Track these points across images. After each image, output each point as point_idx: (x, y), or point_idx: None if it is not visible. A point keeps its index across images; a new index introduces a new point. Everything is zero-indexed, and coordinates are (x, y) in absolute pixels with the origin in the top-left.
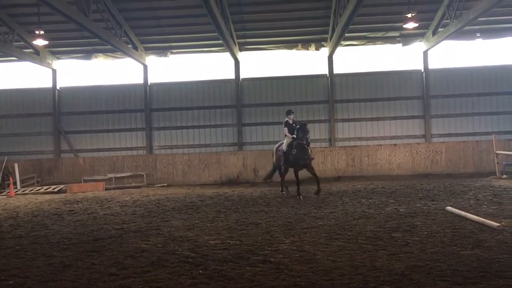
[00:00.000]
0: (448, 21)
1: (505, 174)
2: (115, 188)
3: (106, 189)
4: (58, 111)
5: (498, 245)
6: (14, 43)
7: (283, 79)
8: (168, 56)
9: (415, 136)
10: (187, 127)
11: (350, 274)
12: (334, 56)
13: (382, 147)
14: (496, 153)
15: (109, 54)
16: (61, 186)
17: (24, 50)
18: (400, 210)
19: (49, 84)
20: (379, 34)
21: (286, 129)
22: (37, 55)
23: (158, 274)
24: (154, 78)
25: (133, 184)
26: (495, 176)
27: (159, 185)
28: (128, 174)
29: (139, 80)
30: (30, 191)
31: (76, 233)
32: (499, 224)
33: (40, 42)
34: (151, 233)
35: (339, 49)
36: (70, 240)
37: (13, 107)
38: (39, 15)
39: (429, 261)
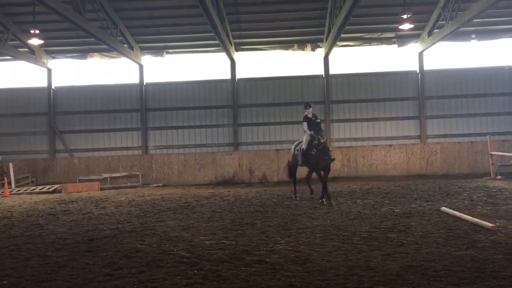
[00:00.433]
0: (443, 22)
1: (500, 175)
2: (110, 188)
3: (101, 189)
4: (53, 111)
5: (492, 246)
6: (9, 42)
7: (279, 80)
8: (164, 56)
9: (410, 137)
10: (182, 127)
11: (345, 275)
12: (330, 57)
13: (377, 148)
14: (490, 154)
15: (105, 53)
16: (56, 186)
17: (19, 49)
18: (395, 210)
19: (44, 84)
20: (375, 35)
21: (305, 124)
22: (32, 55)
23: (153, 274)
24: (150, 78)
25: (128, 184)
26: (489, 177)
27: (154, 185)
28: (124, 174)
29: (134, 80)
30: (24, 191)
31: (71, 233)
32: (493, 225)
33: (35, 42)
34: (146, 233)
35: (335, 50)
36: (64, 240)
37: (8, 106)
38: (34, 14)
39: (423, 262)
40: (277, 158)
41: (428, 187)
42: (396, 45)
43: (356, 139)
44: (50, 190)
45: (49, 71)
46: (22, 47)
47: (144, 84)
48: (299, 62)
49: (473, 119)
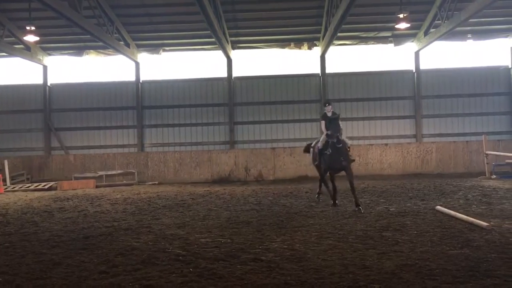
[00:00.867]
0: (439, 22)
1: (495, 175)
2: (105, 186)
3: (97, 186)
4: (48, 108)
5: (487, 245)
6: (5, 39)
7: (276, 78)
8: (160, 54)
9: (406, 136)
10: (178, 125)
11: (341, 273)
12: (327, 56)
13: (373, 147)
14: (485, 154)
15: (101, 51)
16: (51, 183)
17: (14, 46)
18: (391, 209)
19: (39, 81)
20: (371, 34)
21: (323, 123)
22: (28, 51)
23: (148, 272)
24: (146, 75)
25: (124, 181)
26: (484, 176)
27: (150, 183)
28: (119, 171)
29: (130, 77)
30: (19, 188)
31: (66, 231)
32: (488, 224)
33: (31, 38)
34: (141, 231)
35: (331, 49)
36: (60, 238)
37: (3, 103)
38: (30, 10)
39: (418, 260)
40: (273, 156)
41: (424, 186)
42: (392, 44)
43: (352, 138)
44: (46, 187)
45: (45, 68)
46: (17, 43)
47: (140, 81)
48: (295, 60)
49: (468, 118)
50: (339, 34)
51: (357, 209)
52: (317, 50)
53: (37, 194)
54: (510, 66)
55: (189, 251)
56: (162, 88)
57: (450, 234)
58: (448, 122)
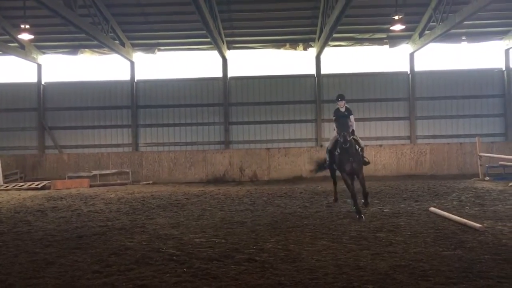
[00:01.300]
0: (434, 24)
1: (488, 176)
2: (99, 185)
3: (91, 186)
4: (42, 107)
5: (480, 246)
6: None
7: (271, 78)
8: (155, 53)
9: (400, 137)
10: (173, 125)
11: (334, 274)
12: (322, 57)
13: (367, 148)
14: (479, 155)
15: (96, 49)
16: (45, 182)
17: (9, 44)
18: (385, 210)
19: (34, 79)
20: (367, 36)
21: (335, 122)
22: (22, 50)
23: (142, 272)
24: (141, 74)
25: (118, 181)
26: (478, 178)
27: (144, 182)
28: (113, 171)
29: (125, 76)
30: (13, 187)
31: (60, 230)
32: (481, 225)
33: (25, 36)
34: (135, 230)
35: (326, 50)
36: (53, 237)
37: None
38: (25, 8)
39: (412, 261)
40: (268, 157)
41: (417, 188)
42: (387, 46)
43: None
44: (39, 186)
45: (39, 66)
46: (12, 42)
47: (135, 81)
48: (291, 61)
49: (462, 120)
50: (334, 35)
51: (357, 216)
52: (312, 51)
53: (30, 193)
54: (504, 69)
55: (183, 251)
56: (157, 88)
57: (444, 235)
58: (442, 124)
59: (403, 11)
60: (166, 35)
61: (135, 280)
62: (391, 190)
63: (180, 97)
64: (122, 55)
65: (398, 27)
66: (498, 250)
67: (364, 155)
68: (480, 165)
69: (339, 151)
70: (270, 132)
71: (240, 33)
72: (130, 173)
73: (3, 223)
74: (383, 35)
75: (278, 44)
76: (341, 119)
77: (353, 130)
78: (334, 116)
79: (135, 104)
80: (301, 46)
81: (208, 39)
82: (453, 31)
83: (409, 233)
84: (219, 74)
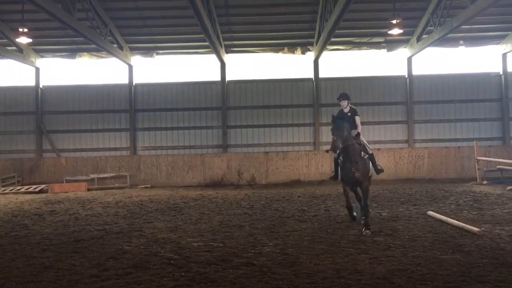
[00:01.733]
0: (432, 28)
1: (486, 180)
2: (97, 189)
3: (89, 189)
4: (40, 110)
5: (478, 250)
6: None
7: (269, 82)
8: (153, 57)
9: (398, 141)
10: (171, 128)
11: (333, 278)
12: (320, 60)
13: None
14: (477, 159)
15: (94, 53)
16: (43, 186)
17: (7, 47)
18: (383, 214)
19: (32, 83)
20: (365, 40)
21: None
22: (20, 53)
23: (140, 276)
24: (139, 78)
25: (116, 185)
26: (476, 181)
27: (142, 186)
28: (111, 174)
29: (124, 80)
30: (10, 190)
31: (57, 234)
32: (479, 229)
33: (23, 40)
34: (133, 234)
35: (324, 54)
36: (50, 241)
37: None
38: (23, 12)
39: (410, 265)
40: (266, 160)
41: (415, 191)
42: (385, 50)
43: None
44: (37, 190)
45: (37, 70)
46: (10, 45)
47: (134, 84)
48: (289, 65)
49: (460, 124)
50: (332, 39)
51: (364, 232)
52: (310, 55)
53: (28, 197)
54: (501, 73)
55: (181, 255)
56: (155, 91)
57: (442, 239)
58: (440, 128)
59: (401, 16)
60: (164, 39)
61: (132, 284)
62: (389, 194)
63: (178, 100)
64: (120, 59)
65: (396, 31)
66: (496, 254)
67: (376, 161)
68: (478, 169)
69: (341, 158)
70: (268, 136)
71: (239, 37)
72: (128, 176)
73: (0, 227)
74: (381, 39)
75: (276, 48)
76: (337, 120)
77: (358, 134)
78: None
79: (133, 107)
80: (299, 50)
81: (207, 43)
82: (450, 35)
83: (407, 237)
84: (217, 78)
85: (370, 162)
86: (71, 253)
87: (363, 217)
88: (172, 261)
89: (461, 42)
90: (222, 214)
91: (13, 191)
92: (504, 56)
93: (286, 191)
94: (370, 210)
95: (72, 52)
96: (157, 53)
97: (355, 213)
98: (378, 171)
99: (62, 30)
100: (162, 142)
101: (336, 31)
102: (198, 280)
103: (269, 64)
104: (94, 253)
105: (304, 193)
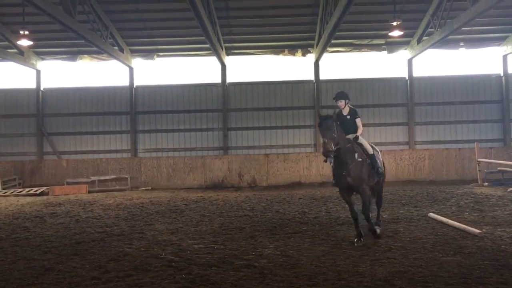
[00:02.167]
0: (432, 30)
1: (487, 182)
2: (98, 191)
3: (89, 192)
4: (41, 112)
5: (479, 252)
6: None
7: (270, 84)
8: (154, 59)
9: (399, 143)
10: (172, 131)
11: (334, 279)
12: (321, 62)
13: None
14: (478, 161)
15: (95, 55)
16: (43, 188)
17: (8, 50)
18: (383, 216)
19: (33, 85)
20: (365, 42)
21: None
22: (21, 56)
23: (140, 278)
24: (140, 80)
25: (117, 187)
26: (476, 183)
27: (143, 188)
28: (112, 177)
29: (124, 82)
30: (11, 193)
31: (58, 236)
32: (480, 231)
33: (24, 43)
34: (134, 236)
35: (325, 56)
36: (51, 243)
37: None
38: (24, 15)
39: (411, 267)
40: (267, 162)
41: (416, 193)
42: (385, 52)
43: None
44: (37, 192)
45: (38, 72)
46: (11, 48)
47: (134, 86)
48: (289, 67)
49: (460, 126)
50: (333, 41)
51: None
52: (311, 57)
53: (28, 199)
54: (502, 74)
55: (182, 257)
56: (156, 94)
57: (443, 241)
58: (441, 130)
59: (401, 17)
60: (165, 41)
61: (133, 286)
62: (390, 196)
63: (179, 103)
64: (121, 61)
65: (396, 33)
66: (497, 256)
67: (379, 163)
68: (479, 170)
69: (333, 162)
70: (269, 137)
71: (239, 39)
72: (129, 179)
73: (1, 229)
74: (381, 41)
75: (277, 50)
76: (324, 120)
77: (356, 136)
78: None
79: (134, 110)
80: (299, 52)
81: (207, 45)
82: (451, 37)
83: (408, 239)
84: (218, 80)
85: (371, 164)
86: (72, 255)
87: (371, 223)
88: (173, 263)
89: (461, 43)
90: (223, 216)
91: (14, 193)
92: (505, 57)
93: (287, 193)
94: (374, 222)
95: (73, 55)
96: (158, 56)
97: (361, 230)
98: (378, 174)
99: (63, 32)
100: (163, 144)
101: (337, 33)
102: (199, 282)
103: (269, 66)
104: (95, 255)
105: (305, 195)
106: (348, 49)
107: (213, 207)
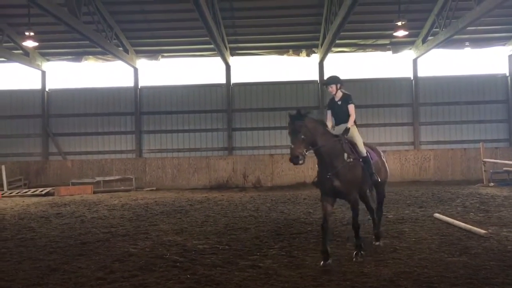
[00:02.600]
0: (437, 29)
1: (492, 182)
2: (103, 192)
3: (95, 192)
4: (47, 113)
5: (485, 252)
6: (3, 44)
7: (274, 85)
8: (159, 60)
9: (404, 143)
10: (177, 131)
11: (339, 280)
12: (325, 63)
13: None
14: (483, 161)
15: (100, 56)
16: (49, 188)
17: (13, 51)
18: (389, 216)
19: (38, 86)
20: (370, 42)
21: (329, 114)
22: (26, 57)
23: (145, 279)
24: (145, 81)
25: (122, 187)
26: (482, 183)
27: (148, 188)
28: (117, 177)
29: (129, 83)
30: (17, 193)
31: (63, 237)
32: (486, 232)
33: (30, 44)
34: (139, 237)
35: (330, 56)
36: (57, 244)
37: (1, 108)
38: (29, 16)
39: (416, 268)
40: (271, 163)
41: (421, 193)
42: (390, 52)
43: None
44: (43, 193)
45: (43, 73)
46: (16, 49)
47: (139, 87)
48: (294, 67)
49: (466, 126)
50: (337, 41)
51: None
52: (315, 57)
53: (34, 199)
54: (507, 74)
55: (187, 257)
56: (161, 94)
57: (448, 241)
58: (446, 130)
59: (406, 17)
60: (169, 42)
61: (138, 286)
62: (395, 196)
63: (183, 103)
64: (125, 62)
65: (401, 33)
66: (503, 257)
67: (375, 169)
68: (485, 170)
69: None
70: (273, 138)
71: (244, 39)
72: (133, 179)
73: (7, 229)
74: (386, 41)
75: (281, 50)
76: (290, 124)
77: (347, 129)
78: (329, 109)
79: (138, 110)
80: (304, 52)
81: (212, 46)
82: (456, 37)
83: (413, 239)
84: (223, 80)
85: (366, 167)
86: (77, 255)
87: (355, 250)
88: (178, 264)
89: (466, 43)
90: (228, 216)
91: (19, 194)
92: (510, 57)
93: (292, 193)
94: (375, 232)
95: (78, 56)
96: (163, 56)
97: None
98: (372, 181)
99: (68, 33)
100: (167, 144)
101: (341, 33)
102: (203, 283)
103: (274, 66)
104: (100, 256)
105: (310, 195)
106: (353, 49)
107: (217, 208)
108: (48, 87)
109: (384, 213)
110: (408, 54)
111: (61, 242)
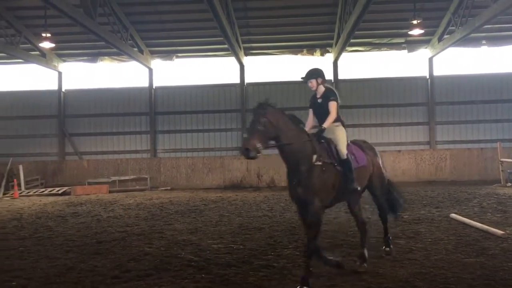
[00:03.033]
0: (453, 28)
1: (510, 182)
2: (119, 191)
3: (110, 191)
4: (63, 114)
5: (502, 253)
6: (21, 46)
7: (288, 84)
8: (173, 60)
9: (419, 143)
10: (191, 131)
11: (354, 280)
12: (339, 62)
13: (386, 154)
14: (500, 161)
15: (115, 57)
16: (65, 188)
17: (30, 52)
18: (404, 216)
19: (54, 87)
20: (385, 40)
21: (310, 112)
22: (43, 58)
23: (160, 278)
24: (159, 81)
25: (137, 187)
26: (499, 184)
27: (162, 188)
28: (132, 177)
29: (144, 83)
30: (34, 193)
31: (80, 236)
32: (503, 232)
33: (46, 45)
34: (154, 236)
35: (344, 55)
36: (73, 242)
37: (18, 109)
38: (46, 18)
39: (433, 268)
40: None
41: (438, 194)
42: (406, 51)
43: None
44: (59, 192)
45: (60, 74)
46: (33, 50)
47: (154, 87)
48: (308, 66)
49: (483, 125)
50: (352, 41)
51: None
52: (329, 57)
53: (51, 199)
54: None
55: (201, 257)
56: (175, 94)
57: (465, 242)
58: (462, 129)
59: (422, 16)
60: (184, 42)
61: (153, 285)
62: (411, 196)
63: (197, 103)
64: (140, 62)
65: (416, 31)
66: None
67: (355, 174)
68: (502, 170)
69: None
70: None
71: (257, 39)
72: (148, 179)
73: (25, 228)
74: (401, 40)
75: (295, 50)
76: (254, 110)
77: (321, 129)
78: (310, 107)
79: (153, 110)
80: (318, 52)
81: (226, 46)
82: (472, 35)
83: (429, 240)
84: (237, 80)
85: (342, 173)
86: (93, 254)
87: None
88: (193, 263)
89: (483, 41)
90: (242, 216)
91: (36, 193)
92: None
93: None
94: (385, 240)
95: (94, 56)
96: (177, 56)
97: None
98: (352, 188)
99: (84, 34)
100: (182, 144)
101: (356, 32)
102: (218, 282)
103: (288, 66)
104: (116, 255)
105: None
106: (368, 48)
107: (232, 207)
108: (64, 87)
109: (399, 213)
110: (423, 52)
111: (77, 241)
